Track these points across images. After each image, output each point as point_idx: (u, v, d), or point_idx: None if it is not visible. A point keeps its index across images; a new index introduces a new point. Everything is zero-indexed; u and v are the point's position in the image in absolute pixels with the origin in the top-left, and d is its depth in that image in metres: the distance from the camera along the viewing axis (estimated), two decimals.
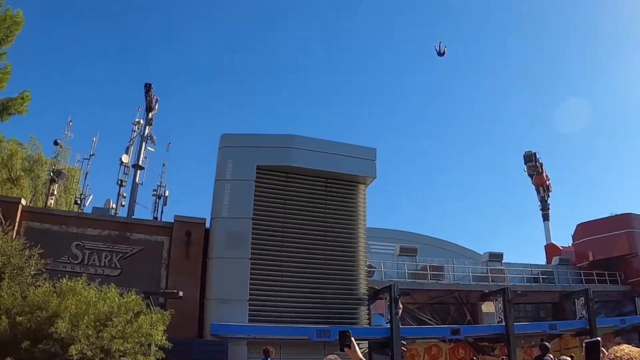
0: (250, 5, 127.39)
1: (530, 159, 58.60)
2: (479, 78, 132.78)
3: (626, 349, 2.66)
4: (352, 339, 5.00)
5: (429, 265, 37.40)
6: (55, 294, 18.75)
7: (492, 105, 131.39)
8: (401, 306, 30.78)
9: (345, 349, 5.04)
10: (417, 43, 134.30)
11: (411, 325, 33.91)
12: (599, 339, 2.55)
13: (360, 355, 5.14)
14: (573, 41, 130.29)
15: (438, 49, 35.33)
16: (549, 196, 59.16)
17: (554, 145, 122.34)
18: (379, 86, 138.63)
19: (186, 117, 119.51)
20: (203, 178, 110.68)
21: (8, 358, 15.75)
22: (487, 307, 36.16)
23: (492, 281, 37.98)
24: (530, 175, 59.57)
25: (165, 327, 20.22)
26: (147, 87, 35.51)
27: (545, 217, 58.09)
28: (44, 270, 21.55)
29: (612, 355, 2.62)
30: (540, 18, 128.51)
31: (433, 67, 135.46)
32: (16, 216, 26.09)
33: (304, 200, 30.72)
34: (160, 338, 19.70)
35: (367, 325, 30.40)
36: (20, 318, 17.72)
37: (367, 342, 29.74)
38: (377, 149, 32.72)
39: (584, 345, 2.49)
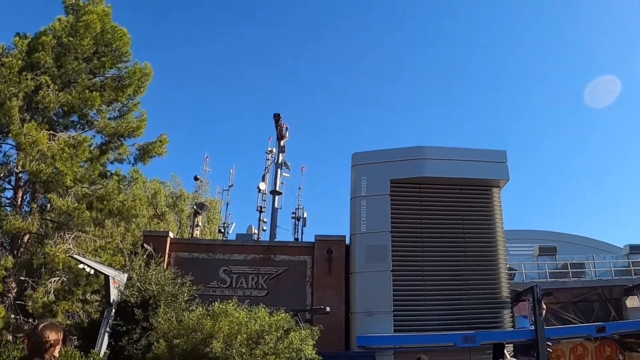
0: (370, 18, 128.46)
1: None
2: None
3: None
4: (505, 351, 5.23)
5: (570, 263, 36.32)
6: (208, 317, 19.62)
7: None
8: (544, 306, 30.14)
9: None
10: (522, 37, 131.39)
11: (555, 325, 32.95)
12: None
13: None
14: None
15: None
16: None
17: None
18: (503, 88, 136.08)
19: (317, 139, 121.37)
20: (338, 196, 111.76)
21: None
22: (632, 301, 34.50)
23: (634, 274, 36.11)
24: None
25: (314, 342, 20.70)
26: (277, 117, 36.57)
27: None
28: (196, 295, 22.88)
29: None
30: None
31: (550, 57, 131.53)
32: (166, 248, 27.85)
33: (439, 209, 30.66)
34: (310, 352, 20.18)
35: (511, 328, 29.95)
36: (177, 340, 18.80)
37: (512, 344, 29.36)
38: (508, 149, 32.28)
39: None
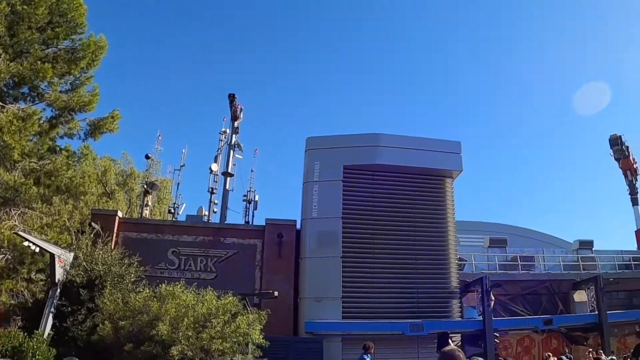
0: (330, 8, 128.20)
1: (616, 143, 56.60)
2: (559, 70, 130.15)
3: None
4: (450, 341, 5.15)
5: (519, 256, 36.78)
6: (155, 299, 19.41)
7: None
8: (493, 298, 30.46)
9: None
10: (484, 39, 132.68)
11: (503, 316, 33.37)
12: None
13: None
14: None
15: None
16: (637, 180, 57.04)
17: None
18: (461, 79, 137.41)
19: (272, 122, 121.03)
20: (291, 180, 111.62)
21: None
22: (579, 296, 35.27)
23: (583, 269, 36.92)
24: (617, 159, 57.45)
25: (261, 327, 20.57)
26: (231, 98, 36.18)
27: (634, 202, 55.87)
28: (143, 277, 22.53)
29: None
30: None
31: (507, 58, 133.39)
32: (114, 227, 27.32)
33: (392, 197, 30.62)
34: (257, 337, 20.06)
35: (460, 318, 30.20)
36: (123, 322, 18.53)
37: (460, 334, 29.60)
38: (462, 141, 32.39)
39: None
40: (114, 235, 27.03)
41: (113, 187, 39.72)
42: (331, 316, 27.40)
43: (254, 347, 20.32)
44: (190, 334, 18.33)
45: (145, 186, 34.81)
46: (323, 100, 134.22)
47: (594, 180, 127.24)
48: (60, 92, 28.12)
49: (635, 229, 51.56)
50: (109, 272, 21.65)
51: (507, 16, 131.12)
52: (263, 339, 20.17)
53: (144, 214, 33.50)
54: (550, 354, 25.98)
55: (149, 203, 34.57)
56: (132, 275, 22.29)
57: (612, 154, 57.74)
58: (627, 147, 56.64)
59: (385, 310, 28.18)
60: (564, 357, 21.65)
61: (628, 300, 39.52)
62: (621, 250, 41.59)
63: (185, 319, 18.62)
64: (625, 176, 57.16)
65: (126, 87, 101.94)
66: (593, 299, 33.19)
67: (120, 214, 29.39)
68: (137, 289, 20.71)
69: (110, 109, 29.94)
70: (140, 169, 43.11)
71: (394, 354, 26.51)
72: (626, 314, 35.10)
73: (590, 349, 29.32)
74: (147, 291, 19.88)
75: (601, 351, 26.15)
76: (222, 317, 19.50)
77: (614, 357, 24.28)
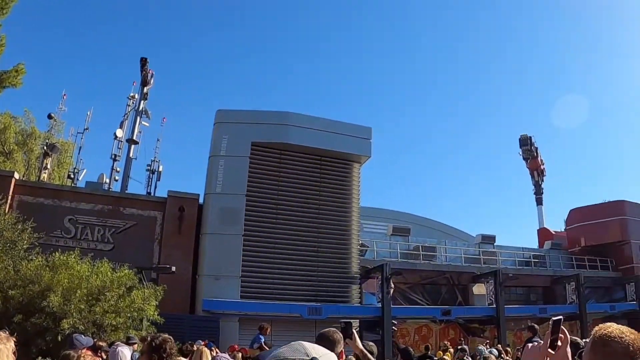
0: None
1: (526, 143, 58.26)
2: (478, 69, 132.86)
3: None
4: (354, 330, 5.06)
5: (422, 246, 37.47)
6: (47, 268, 18.67)
7: (490, 92, 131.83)
8: (393, 286, 30.90)
9: (347, 340, 5.09)
10: (418, 33, 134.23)
11: (402, 305, 34.06)
12: (562, 317, 2.60)
13: (361, 346, 5.19)
14: (573, 37, 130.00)
15: None
16: (543, 180, 58.92)
17: (551, 135, 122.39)
18: (376, 68, 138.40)
19: (182, 93, 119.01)
20: (197, 154, 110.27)
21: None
22: (479, 289, 36.34)
23: (484, 263, 38.15)
24: (525, 159, 59.24)
25: (157, 302, 20.17)
26: (143, 62, 35.22)
27: (539, 202, 58.00)
28: (37, 244, 21.47)
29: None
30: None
31: (433, 54, 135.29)
32: (9, 190, 26.08)
33: (298, 178, 30.62)
34: (152, 313, 19.70)
35: (359, 304, 30.49)
36: (13, 292, 17.69)
37: (358, 320, 29.82)
38: (373, 128, 32.52)
39: (550, 322, 2.54)
40: (9, 198, 25.75)
41: (12, 147, 38.07)
42: (229, 295, 27.15)
43: (149, 323, 19.92)
44: (82, 307, 17.72)
45: (45, 148, 33.49)
46: (238, 74, 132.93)
47: (501, 178, 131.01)
48: None
49: (538, 228, 53.25)
50: (1, 237, 20.65)
51: (430, 7, 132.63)
52: (158, 315, 19.81)
53: (42, 178, 32.17)
54: (448, 343, 26.49)
55: (48, 166, 33.28)
56: (25, 242, 21.19)
57: (521, 153, 59.48)
58: (536, 148, 58.47)
59: (285, 291, 28.19)
60: (465, 347, 21.96)
61: (525, 296, 41.38)
62: (522, 247, 43.14)
63: (78, 291, 17.98)
64: (532, 176, 59.12)
65: (33, 41, 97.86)
66: (492, 293, 34.26)
67: (17, 175, 28.09)
68: (30, 257, 19.86)
69: (15, 61, 28.60)
70: (41, 129, 41.52)
71: (291, 336, 26.03)
72: (523, 308, 36.93)
73: (487, 341, 30.14)
74: (40, 259, 19.09)
75: (499, 345, 26.82)
76: (117, 290, 19.00)
77: (493, 349, 24.93)
